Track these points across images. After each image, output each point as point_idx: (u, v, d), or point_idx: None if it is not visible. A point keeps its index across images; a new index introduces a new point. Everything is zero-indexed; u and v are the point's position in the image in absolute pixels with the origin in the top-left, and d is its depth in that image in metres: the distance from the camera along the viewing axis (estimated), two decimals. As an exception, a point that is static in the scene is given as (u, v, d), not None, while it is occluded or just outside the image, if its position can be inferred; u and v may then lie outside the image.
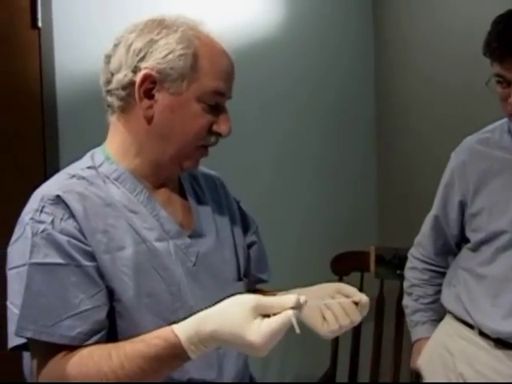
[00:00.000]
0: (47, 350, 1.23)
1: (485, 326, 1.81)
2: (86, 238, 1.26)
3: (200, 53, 1.33)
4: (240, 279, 1.50)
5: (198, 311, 1.22)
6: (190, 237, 1.40)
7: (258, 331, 1.11)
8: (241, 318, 1.13)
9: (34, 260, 1.23)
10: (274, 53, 3.02)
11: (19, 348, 1.27)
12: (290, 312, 1.13)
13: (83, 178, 1.33)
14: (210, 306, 1.21)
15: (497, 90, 1.76)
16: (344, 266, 2.85)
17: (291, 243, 3.06)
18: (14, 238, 1.29)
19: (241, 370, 1.46)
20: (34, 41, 2.69)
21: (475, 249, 1.88)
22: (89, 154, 1.41)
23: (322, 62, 3.12)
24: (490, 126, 1.93)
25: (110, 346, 1.23)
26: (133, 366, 1.19)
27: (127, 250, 1.29)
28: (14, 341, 1.26)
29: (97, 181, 1.34)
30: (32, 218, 1.25)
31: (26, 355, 1.34)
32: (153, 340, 1.20)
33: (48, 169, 2.62)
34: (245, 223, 1.60)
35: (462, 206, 1.92)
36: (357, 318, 1.32)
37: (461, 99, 2.57)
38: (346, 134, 3.20)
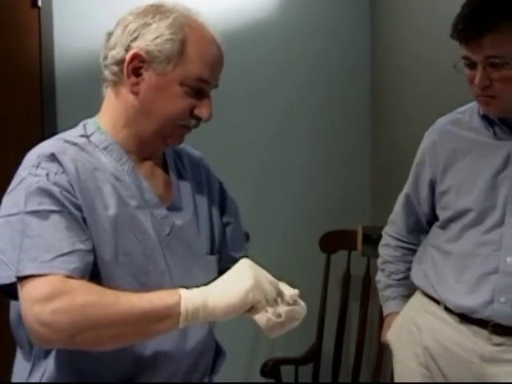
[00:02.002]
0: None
1: (449, 301, 1.86)
2: (75, 192, 1.36)
3: (188, 39, 1.42)
4: (213, 254, 1.59)
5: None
6: (168, 209, 1.50)
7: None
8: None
9: (28, 209, 1.31)
10: (268, 36, 3.06)
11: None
12: None
13: (75, 144, 1.44)
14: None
15: (465, 72, 1.79)
16: (332, 244, 2.91)
17: (281, 220, 3.12)
18: (9, 189, 1.38)
19: (206, 336, 1.54)
20: (34, 19, 2.77)
21: (443, 226, 1.92)
22: (81, 124, 1.51)
23: (316, 44, 3.15)
24: (463, 108, 1.95)
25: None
26: (126, 299, 1.26)
27: (110, 210, 1.39)
28: None
29: (87, 148, 1.44)
30: (29, 173, 1.35)
31: (13, 304, 1.41)
32: (154, 293, 1.29)
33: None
34: (223, 204, 1.68)
35: (433, 185, 1.95)
36: (301, 316, 1.42)
37: (457, 85, 2.58)
38: (340, 114, 3.22)
